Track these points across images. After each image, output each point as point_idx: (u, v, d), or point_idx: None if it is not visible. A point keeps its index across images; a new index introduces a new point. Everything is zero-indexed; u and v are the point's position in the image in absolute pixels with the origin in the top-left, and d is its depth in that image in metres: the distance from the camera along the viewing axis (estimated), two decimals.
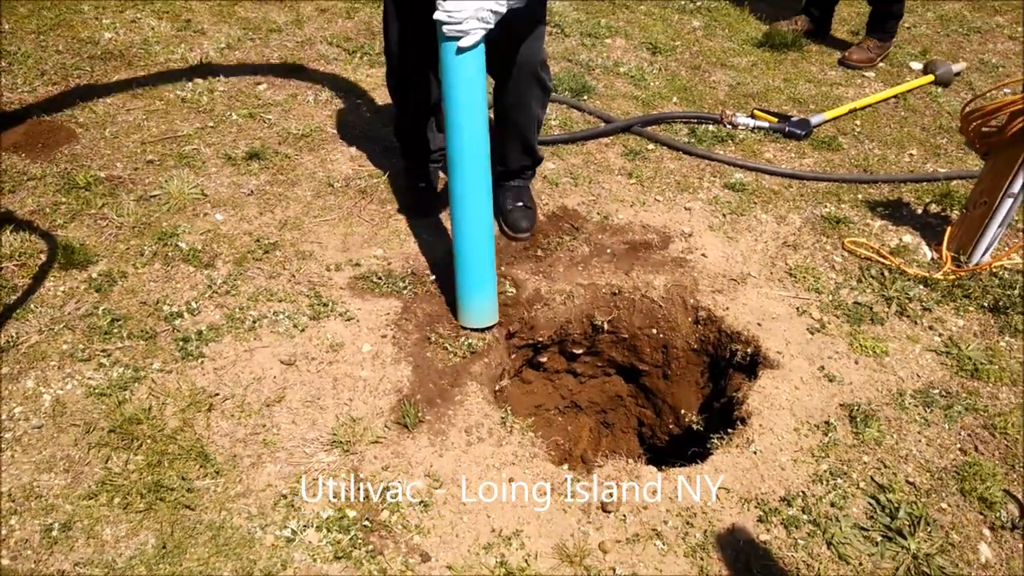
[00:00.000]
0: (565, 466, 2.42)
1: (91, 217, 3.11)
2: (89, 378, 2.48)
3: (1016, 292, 3.09)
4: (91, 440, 2.30)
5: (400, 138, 3.33)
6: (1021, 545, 2.25)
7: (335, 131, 3.83)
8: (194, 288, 2.86)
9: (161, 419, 2.38)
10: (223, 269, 2.95)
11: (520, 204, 3.27)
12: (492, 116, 2.90)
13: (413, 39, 2.82)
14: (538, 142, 3.24)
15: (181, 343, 2.63)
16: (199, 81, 4.10)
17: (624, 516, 2.24)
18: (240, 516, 2.16)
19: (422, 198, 3.34)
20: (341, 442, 2.37)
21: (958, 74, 4.91)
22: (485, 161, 2.54)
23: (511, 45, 2.73)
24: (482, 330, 2.82)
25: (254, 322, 2.73)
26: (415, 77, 2.99)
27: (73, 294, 2.78)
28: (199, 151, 3.57)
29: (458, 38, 2.30)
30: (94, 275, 2.85)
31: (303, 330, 2.73)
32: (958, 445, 2.54)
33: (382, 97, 4.09)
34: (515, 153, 3.17)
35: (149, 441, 2.31)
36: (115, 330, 2.65)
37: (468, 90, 2.40)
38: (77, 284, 2.82)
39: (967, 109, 3.08)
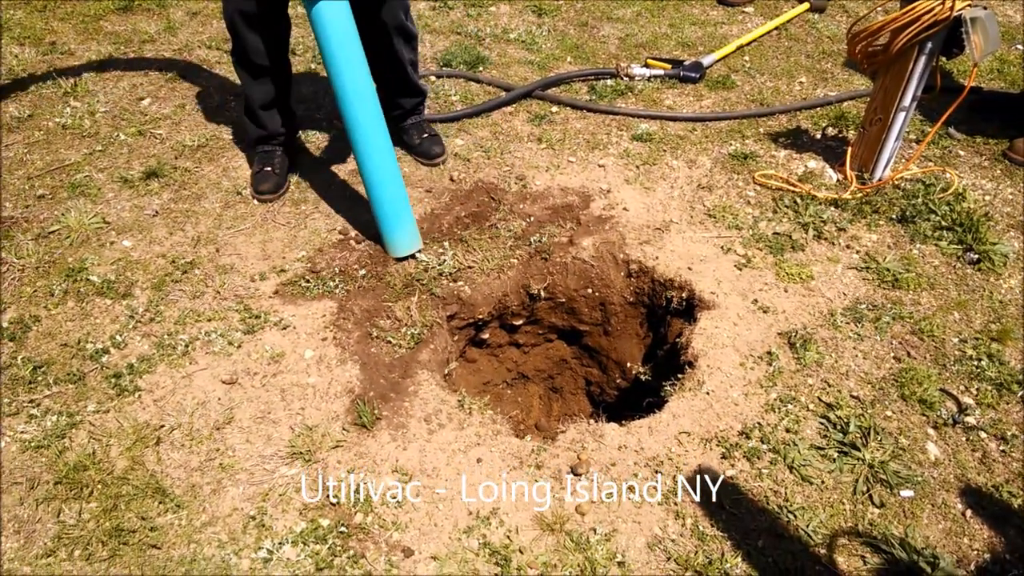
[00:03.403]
0: (528, 438, 2.43)
1: None
2: (22, 432, 2.35)
3: (920, 200, 3.24)
4: (37, 495, 2.18)
5: (253, 119, 3.32)
6: (964, 439, 2.38)
7: (231, 137, 3.70)
8: (115, 321, 2.73)
9: (108, 461, 2.28)
10: (142, 297, 2.83)
11: (426, 136, 3.54)
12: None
13: (259, 12, 2.92)
14: (419, 77, 3.55)
15: (113, 380, 2.51)
16: (76, 105, 3.89)
17: (594, 476, 2.28)
18: (211, 546, 2.09)
19: (276, 179, 3.36)
20: (301, 453, 2.32)
21: None
22: (375, 109, 2.70)
23: (372, 3, 2.94)
24: (408, 257, 3.01)
25: (186, 346, 2.64)
26: (266, 51, 3.06)
27: None
28: (92, 178, 3.40)
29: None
30: (5, 324, 2.69)
31: (239, 346, 2.65)
32: (892, 354, 2.66)
33: None
34: (400, 96, 3.47)
35: (100, 486, 2.21)
36: (39, 378, 2.52)
37: (343, 44, 2.54)
38: None
39: (852, 31, 3.19)
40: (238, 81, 4.06)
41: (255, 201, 3.31)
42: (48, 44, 4.41)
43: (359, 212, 3.23)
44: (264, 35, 3.01)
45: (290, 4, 3.06)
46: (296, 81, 4.12)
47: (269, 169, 3.36)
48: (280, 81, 3.22)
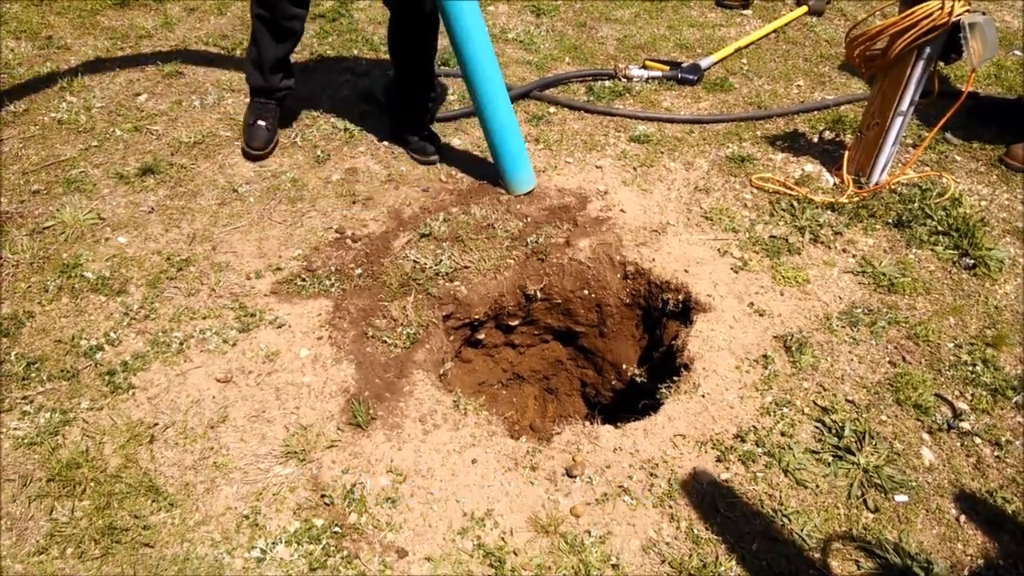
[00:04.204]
0: (523, 439, 2.43)
1: None
2: (15, 429, 2.34)
3: (916, 205, 3.24)
4: (30, 493, 2.17)
5: (260, 71, 3.42)
6: (959, 444, 2.39)
7: (228, 134, 3.69)
8: (109, 318, 2.72)
9: (101, 459, 2.27)
10: (137, 294, 2.82)
11: (424, 134, 3.56)
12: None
13: None
14: (439, 99, 3.70)
15: (107, 377, 2.50)
16: (73, 100, 3.87)
17: (590, 478, 2.27)
18: (204, 545, 2.08)
19: (267, 135, 3.49)
20: (295, 452, 2.31)
21: (829, 2, 5.09)
22: (496, 73, 3.07)
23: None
24: (529, 192, 3.32)
25: (181, 343, 2.62)
26: (298, 12, 3.21)
27: None
28: (87, 173, 3.38)
29: None
30: None
31: (234, 344, 2.64)
32: (887, 358, 2.66)
33: None
34: (419, 87, 3.48)
35: (93, 484, 2.20)
36: (33, 374, 2.50)
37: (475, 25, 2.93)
38: None
39: (850, 35, 3.19)
40: (234, 77, 4.07)
41: (244, 158, 3.48)
42: (44, 38, 4.39)
43: (356, 211, 3.22)
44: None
45: None
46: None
47: (263, 123, 3.49)
48: (295, 38, 3.37)
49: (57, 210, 3.13)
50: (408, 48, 3.35)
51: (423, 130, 3.54)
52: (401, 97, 3.52)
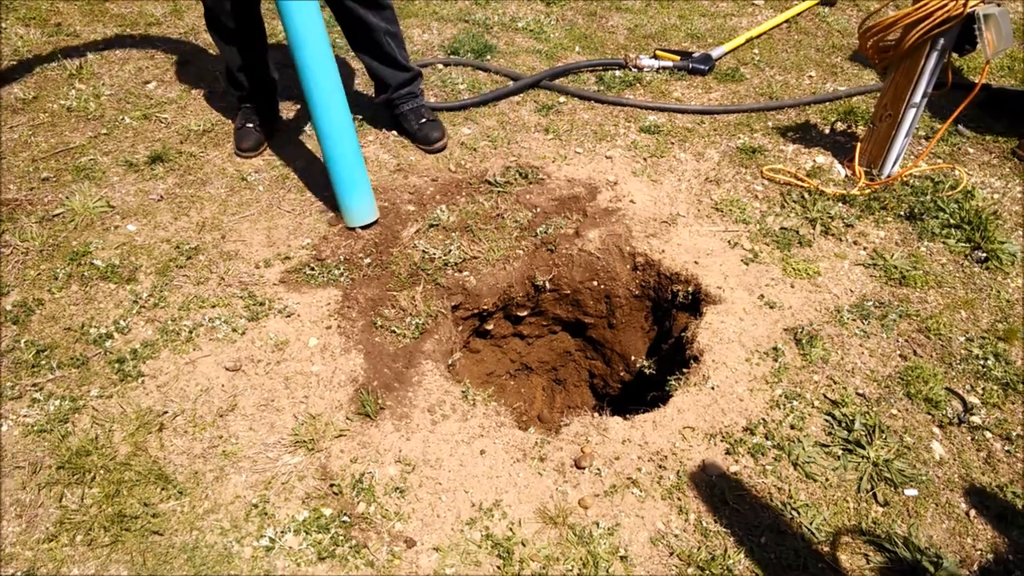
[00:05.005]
0: (532, 430, 2.43)
1: None
2: (24, 416, 2.35)
3: (928, 198, 3.22)
4: (40, 480, 2.18)
5: (231, 81, 3.42)
6: (969, 438, 2.37)
7: None
8: (119, 306, 2.72)
9: (111, 447, 2.27)
10: (146, 282, 2.82)
11: (424, 121, 3.52)
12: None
13: None
14: (408, 60, 3.51)
15: (116, 365, 2.51)
16: (82, 87, 3.87)
17: (598, 470, 2.27)
18: (213, 533, 2.09)
19: (257, 136, 3.48)
20: (304, 441, 2.31)
21: None
22: (335, 80, 2.74)
23: None
24: (366, 226, 3.04)
25: (190, 332, 2.63)
26: (232, 12, 3.12)
27: None
28: (96, 161, 3.38)
29: None
30: (8, 307, 2.68)
31: (243, 333, 2.64)
32: (898, 352, 2.65)
33: (280, 83, 3.94)
34: (386, 72, 3.43)
35: (102, 472, 2.21)
36: (43, 362, 2.51)
37: (304, 20, 2.58)
38: None
39: (864, 26, 3.16)
40: None
41: (237, 158, 3.46)
42: (54, 25, 4.39)
43: None
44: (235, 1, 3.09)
45: None
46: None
47: (251, 126, 3.48)
48: (251, 42, 3.28)
49: (67, 198, 3.13)
50: None
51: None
52: (358, 49, 3.41)
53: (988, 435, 2.38)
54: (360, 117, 3.72)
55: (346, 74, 4.10)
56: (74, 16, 4.50)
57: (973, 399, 2.48)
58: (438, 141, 3.49)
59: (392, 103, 3.55)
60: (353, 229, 3.05)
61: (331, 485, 2.20)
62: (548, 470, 2.28)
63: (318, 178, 3.34)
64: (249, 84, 3.40)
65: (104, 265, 2.85)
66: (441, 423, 2.40)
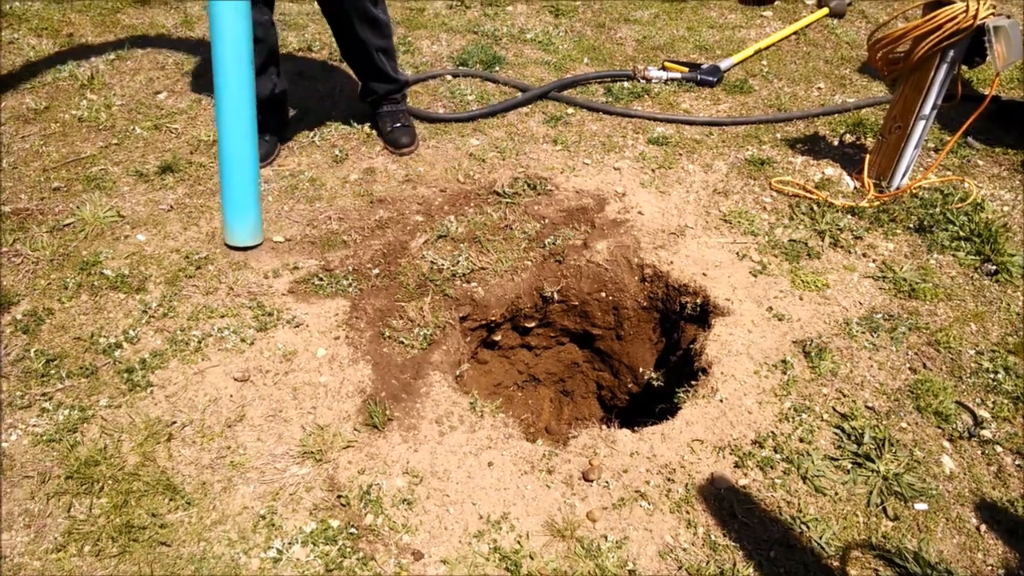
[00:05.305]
0: (539, 441, 2.42)
1: (3, 256, 2.93)
2: (34, 425, 2.35)
3: (938, 210, 3.21)
4: (48, 490, 2.18)
5: None
6: (980, 452, 2.36)
7: None
8: (128, 315, 2.73)
9: (119, 457, 2.28)
10: (156, 291, 2.83)
11: (397, 125, 3.60)
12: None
13: None
14: (395, 67, 3.62)
15: (125, 375, 2.51)
16: (93, 97, 3.89)
17: (607, 483, 2.26)
18: (221, 544, 2.09)
19: (266, 146, 3.47)
20: (312, 452, 2.31)
21: (850, 4, 5.05)
22: (247, 92, 2.79)
23: None
24: (247, 248, 3.01)
25: (199, 342, 2.63)
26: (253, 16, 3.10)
27: None
28: (107, 171, 3.40)
29: None
30: (18, 316, 2.70)
31: (252, 343, 2.64)
32: (907, 365, 2.64)
33: (291, 92, 3.96)
34: (372, 81, 3.57)
35: (111, 482, 2.21)
36: (52, 371, 2.52)
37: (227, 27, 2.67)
38: (2, 328, 2.66)
39: (873, 38, 3.16)
40: None
41: None
42: (65, 36, 4.42)
43: (374, 210, 3.22)
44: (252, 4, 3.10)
45: None
46: (312, 78, 4.13)
47: (261, 136, 3.41)
48: (267, 51, 3.29)
49: (77, 207, 3.15)
50: None
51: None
52: (349, 61, 3.56)
53: (999, 449, 2.37)
54: (369, 128, 3.73)
55: (346, 80, 4.12)
56: (86, 27, 4.53)
57: (983, 413, 2.47)
58: (406, 147, 3.59)
59: (373, 104, 3.68)
60: (234, 248, 3.03)
61: (339, 496, 2.20)
62: (556, 482, 2.27)
63: (326, 189, 3.35)
64: (259, 94, 3.39)
65: (114, 275, 2.86)
66: (449, 434, 2.39)
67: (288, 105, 3.64)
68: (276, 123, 3.58)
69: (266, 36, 3.26)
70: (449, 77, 4.22)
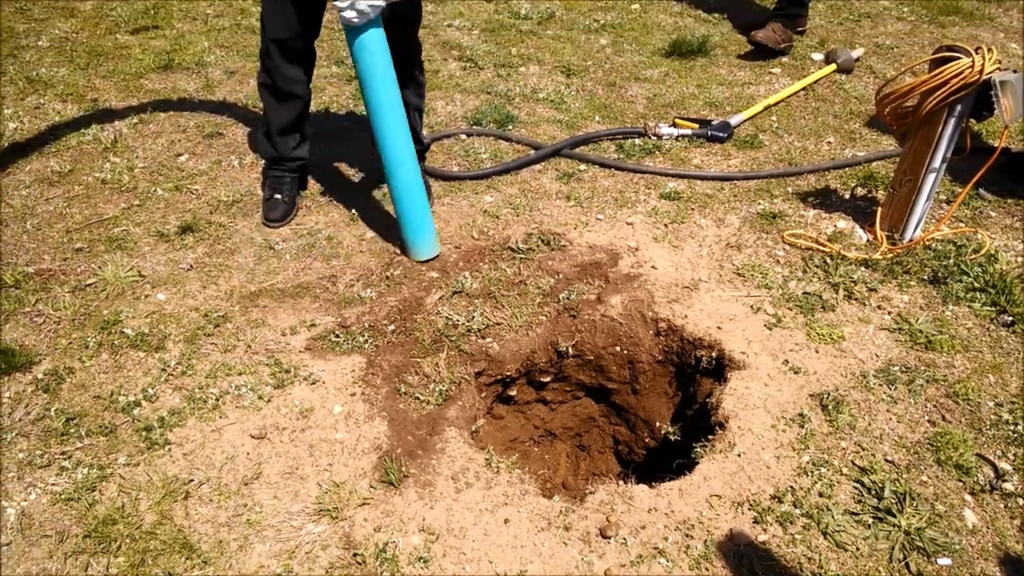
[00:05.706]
0: (556, 498, 2.41)
1: (26, 315, 2.99)
2: (53, 484, 2.37)
3: (952, 261, 3.22)
4: (66, 549, 2.19)
5: (270, 142, 3.53)
6: (1002, 505, 2.33)
7: None
8: (147, 374, 2.76)
9: (137, 515, 2.28)
10: (175, 350, 2.86)
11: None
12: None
13: (294, 41, 3.19)
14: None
15: (144, 433, 2.53)
16: (116, 160, 3.99)
17: (624, 539, 2.24)
18: None
19: (285, 207, 3.57)
20: (328, 510, 2.31)
21: (857, 59, 5.12)
22: (403, 123, 3.04)
23: (397, 31, 3.06)
24: (431, 260, 3.29)
25: (217, 399, 2.65)
26: (296, 75, 3.30)
27: (20, 398, 2.66)
28: (129, 232, 3.47)
29: (357, 24, 2.71)
30: (39, 375, 2.73)
31: (269, 400, 2.66)
32: (926, 417, 2.62)
33: (310, 151, 4.04)
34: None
35: (128, 540, 2.21)
36: (72, 430, 2.54)
37: (376, 66, 2.85)
38: (23, 387, 2.69)
39: (881, 93, 3.21)
40: None
41: (265, 227, 3.54)
42: (90, 101, 4.55)
43: (390, 268, 3.26)
44: (296, 63, 3.27)
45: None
46: (329, 138, 4.22)
47: (279, 197, 3.57)
48: (301, 108, 3.43)
49: (99, 267, 3.21)
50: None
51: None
52: None
53: (1022, 502, 2.33)
54: (383, 186, 3.79)
55: (362, 142, 4.20)
56: (110, 92, 4.66)
57: (1005, 465, 2.44)
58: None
59: None
60: (422, 262, 3.30)
61: (355, 555, 2.19)
62: (573, 539, 2.25)
63: (343, 247, 3.40)
64: (286, 147, 3.53)
65: (134, 334, 2.90)
66: (465, 491, 2.39)
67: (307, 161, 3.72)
68: (299, 181, 3.68)
69: (304, 94, 3.40)
70: (463, 136, 4.30)
